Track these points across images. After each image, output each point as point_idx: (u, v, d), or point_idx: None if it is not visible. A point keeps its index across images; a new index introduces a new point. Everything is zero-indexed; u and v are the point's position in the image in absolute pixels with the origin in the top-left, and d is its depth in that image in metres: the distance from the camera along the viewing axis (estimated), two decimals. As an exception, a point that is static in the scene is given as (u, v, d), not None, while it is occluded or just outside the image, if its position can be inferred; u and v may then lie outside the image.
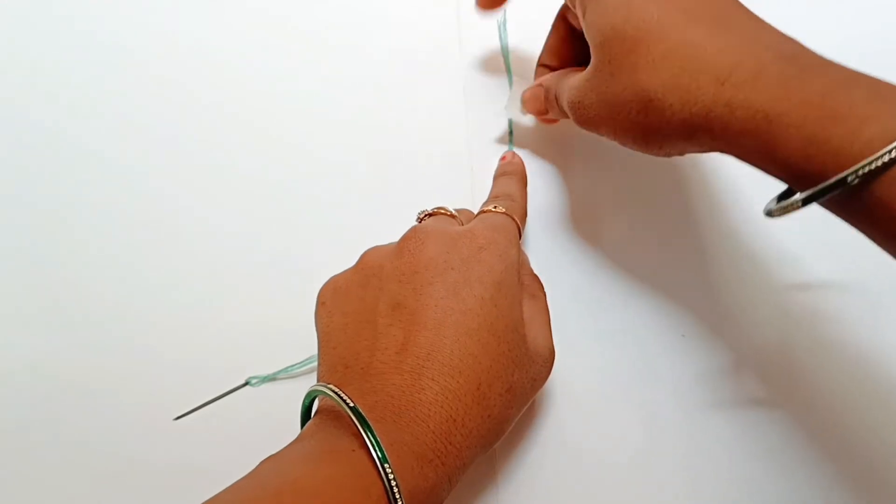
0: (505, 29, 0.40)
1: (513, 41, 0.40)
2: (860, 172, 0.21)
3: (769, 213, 0.25)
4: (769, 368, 0.35)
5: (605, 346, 0.35)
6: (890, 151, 0.21)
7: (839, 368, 0.34)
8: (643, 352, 0.35)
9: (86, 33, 0.41)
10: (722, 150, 0.26)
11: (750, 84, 0.24)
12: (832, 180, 0.22)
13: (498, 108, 0.38)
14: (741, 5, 0.27)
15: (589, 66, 0.29)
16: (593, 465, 0.34)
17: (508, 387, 0.26)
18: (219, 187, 0.39)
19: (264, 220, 0.38)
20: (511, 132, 0.39)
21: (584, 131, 0.38)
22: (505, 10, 0.40)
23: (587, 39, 0.29)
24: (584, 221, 0.37)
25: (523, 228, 0.33)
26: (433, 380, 0.25)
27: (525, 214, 0.34)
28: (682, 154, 0.28)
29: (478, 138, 0.39)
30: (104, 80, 0.40)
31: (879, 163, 0.21)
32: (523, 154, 0.38)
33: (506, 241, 0.29)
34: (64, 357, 0.36)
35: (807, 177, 0.23)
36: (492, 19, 0.40)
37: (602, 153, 0.38)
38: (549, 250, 0.37)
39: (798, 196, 0.23)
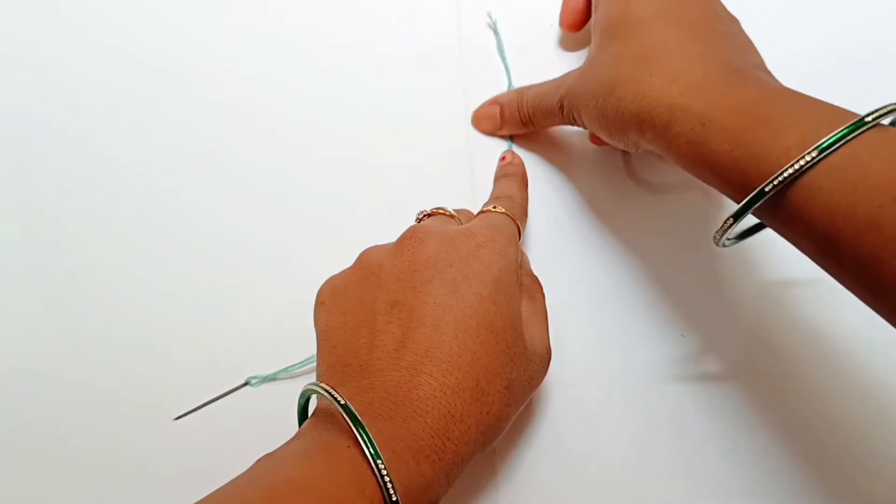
0: (497, 31, 0.40)
1: (512, 41, 0.40)
2: (776, 181, 0.23)
3: (717, 242, 0.27)
4: (771, 369, 0.35)
5: (605, 347, 0.36)
6: (801, 159, 0.22)
7: (843, 369, 0.34)
8: (643, 352, 0.35)
9: (85, 32, 0.41)
10: (664, 152, 0.27)
11: (692, 89, 0.26)
12: (752, 195, 0.23)
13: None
14: (721, 18, 0.30)
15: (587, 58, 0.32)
16: (593, 466, 0.34)
17: (507, 384, 0.26)
18: (219, 187, 0.39)
19: (264, 220, 0.38)
20: (511, 137, 0.39)
21: (583, 132, 0.38)
22: (489, 13, 0.40)
23: (592, 33, 0.33)
24: (584, 222, 0.37)
25: (523, 229, 0.33)
26: (431, 376, 0.25)
27: (525, 215, 0.34)
28: (639, 149, 0.30)
29: (478, 138, 0.39)
30: (107, 81, 0.40)
31: (791, 170, 0.22)
32: (523, 154, 0.38)
33: (504, 240, 0.29)
34: (64, 357, 0.36)
35: (734, 184, 0.24)
36: (489, 18, 0.40)
37: (602, 153, 0.38)
38: (549, 250, 0.37)
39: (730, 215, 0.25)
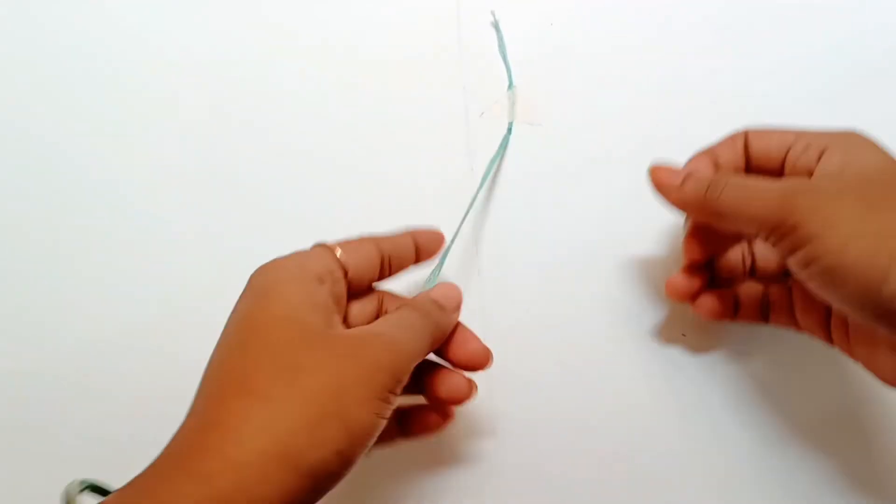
0: (500, 30, 0.40)
1: (512, 40, 0.40)
2: None
3: None
4: (770, 369, 0.35)
5: (605, 346, 0.36)
6: None
7: (844, 369, 0.35)
8: (643, 352, 0.35)
9: (85, 35, 0.41)
10: None
11: None
12: None
13: (498, 108, 0.38)
14: None
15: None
16: (593, 466, 0.34)
17: (288, 368, 0.25)
18: (219, 188, 0.39)
19: (265, 221, 0.38)
20: (510, 132, 0.39)
21: (583, 134, 0.38)
22: (493, 12, 0.40)
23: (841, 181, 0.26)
24: (585, 222, 0.37)
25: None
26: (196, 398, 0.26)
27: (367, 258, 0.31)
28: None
29: (478, 139, 0.39)
30: (106, 83, 0.40)
31: None
32: (520, 155, 0.38)
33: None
34: (64, 357, 0.37)
35: None
36: (490, 18, 0.40)
37: (603, 154, 0.38)
38: (548, 250, 0.37)
39: None
